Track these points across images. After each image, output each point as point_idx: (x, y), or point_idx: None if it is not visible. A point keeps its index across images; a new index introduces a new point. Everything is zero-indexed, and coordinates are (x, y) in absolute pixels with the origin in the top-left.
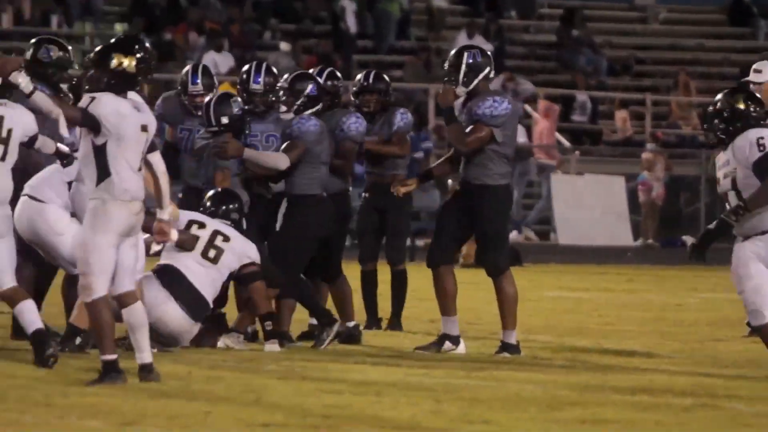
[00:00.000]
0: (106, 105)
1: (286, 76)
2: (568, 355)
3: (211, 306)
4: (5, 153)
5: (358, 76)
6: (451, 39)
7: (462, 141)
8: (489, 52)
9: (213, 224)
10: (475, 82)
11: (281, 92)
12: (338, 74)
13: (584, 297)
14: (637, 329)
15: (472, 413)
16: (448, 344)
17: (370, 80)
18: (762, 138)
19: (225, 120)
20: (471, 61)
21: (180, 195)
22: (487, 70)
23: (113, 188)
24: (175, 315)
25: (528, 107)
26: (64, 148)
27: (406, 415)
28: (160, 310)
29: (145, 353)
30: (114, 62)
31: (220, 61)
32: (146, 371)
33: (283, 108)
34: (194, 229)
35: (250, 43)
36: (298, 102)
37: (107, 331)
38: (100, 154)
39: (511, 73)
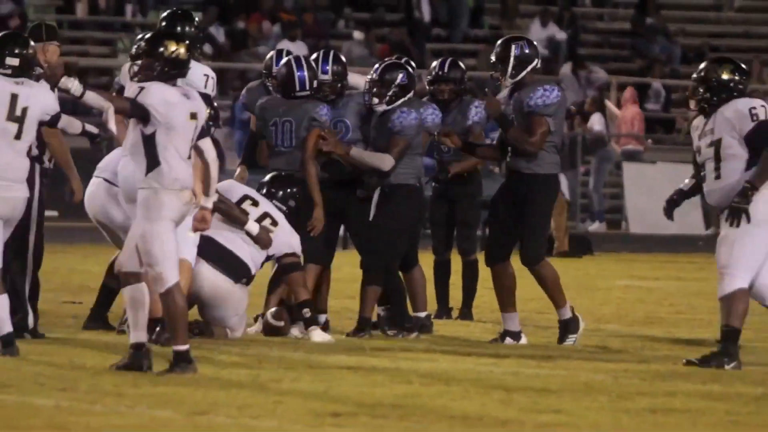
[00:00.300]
0: (154, 94)
1: (376, 66)
2: (638, 344)
3: (252, 272)
4: (20, 131)
5: (433, 64)
6: (525, 27)
7: (526, 142)
8: (535, 43)
9: (265, 205)
10: (523, 73)
11: (372, 84)
12: (412, 63)
13: (655, 286)
14: (707, 318)
15: (541, 403)
16: (509, 340)
17: (446, 69)
18: (754, 108)
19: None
20: (519, 52)
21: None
22: (535, 61)
23: (163, 178)
24: (208, 275)
25: (609, 103)
26: (92, 129)
27: (475, 405)
28: (192, 274)
29: (141, 332)
30: (169, 49)
31: (293, 50)
32: (140, 350)
33: (376, 100)
34: (246, 205)
35: (323, 32)
36: (390, 93)
37: (181, 321)
38: (149, 143)
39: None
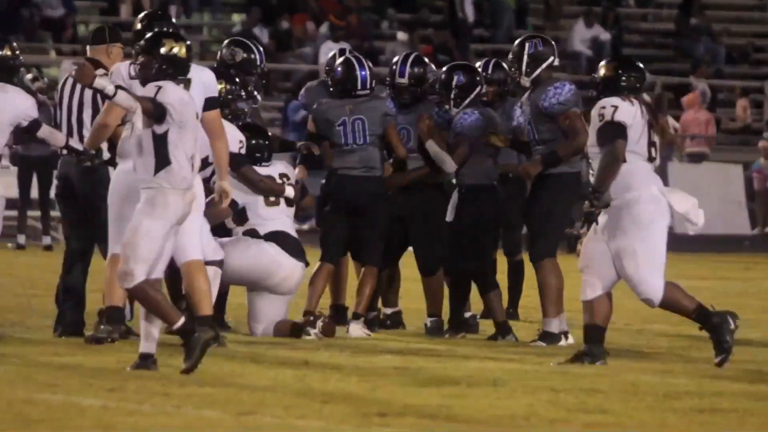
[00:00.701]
0: (172, 93)
1: (443, 68)
2: (684, 344)
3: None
4: None
5: (477, 65)
6: (569, 28)
7: (573, 146)
8: (552, 42)
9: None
10: (538, 71)
11: (438, 87)
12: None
13: (701, 285)
14: (754, 318)
15: (588, 403)
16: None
17: (489, 70)
18: (603, 107)
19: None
20: (532, 50)
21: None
22: (550, 59)
23: (173, 177)
24: (268, 251)
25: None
26: (77, 145)
27: (522, 405)
28: (250, 252)
29: (152, 344)
30: (164, 48)
31: (336, 51)
32: (147, 361)
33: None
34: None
35: (367, 33)
36: (452, 95)
37: (164, 304)
38: (160, 142)
39: None
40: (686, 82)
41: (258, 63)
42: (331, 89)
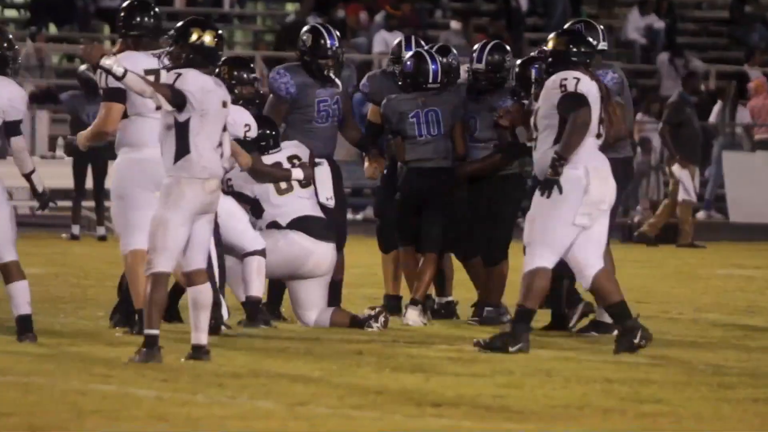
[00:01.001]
0: (192, 81)
1: (517, 62)
2: (738, 334)
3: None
4: None
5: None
6: (623, 16)
7: (611, 135)
8: (600, 28)
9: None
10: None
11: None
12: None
13: (756, 275)
14: None
15: (642, 392)
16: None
17: None
18: (565, 79)
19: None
20: None
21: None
22: (594, 43)
23: (191, 166)
24: (295, 241)
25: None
26: (39, 185)
27: (576, 395)
28: (279, 246)
29: (202, 334)
30: (193, 37)
31: (390, 40)
32: (200, 352)
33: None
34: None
35: (421, 22)
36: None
37: (157, 308)
38: (182, 130)
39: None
40: (741, 70)
41: (329, 47)
42: (400, 82)
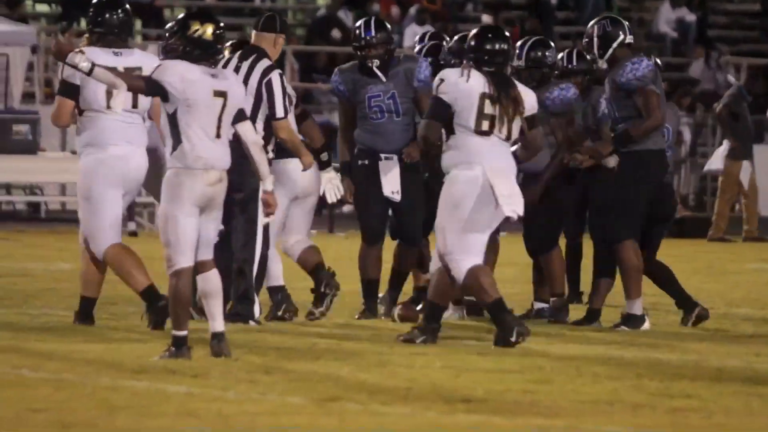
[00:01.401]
0: (170, 71)
1: (559, 55)
2: None
3: None
4: None
5: (560, 56)
6: (654, 10)
7: (647, 128)
8: (625, 23)
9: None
10: (610, 51)
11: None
12: (548, 43)
13: None
14: None
15: (673, 387)
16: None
17: (574, 62)
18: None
19: None
20: (601, 32)
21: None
22: (621, 37)
23: (185, 156)
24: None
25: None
26: None
27: (606, 390)
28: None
29: (218, 321)
30: (191, 30)
31: (421, 33)
32: (217, 339)
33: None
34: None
35: (451, 15)
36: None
37: (182, 306)
38: (172, 121)
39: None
40: None
41: (362, 38)
42: None
